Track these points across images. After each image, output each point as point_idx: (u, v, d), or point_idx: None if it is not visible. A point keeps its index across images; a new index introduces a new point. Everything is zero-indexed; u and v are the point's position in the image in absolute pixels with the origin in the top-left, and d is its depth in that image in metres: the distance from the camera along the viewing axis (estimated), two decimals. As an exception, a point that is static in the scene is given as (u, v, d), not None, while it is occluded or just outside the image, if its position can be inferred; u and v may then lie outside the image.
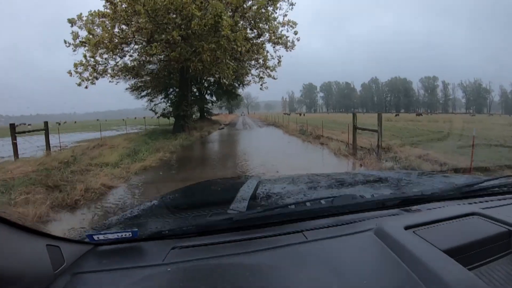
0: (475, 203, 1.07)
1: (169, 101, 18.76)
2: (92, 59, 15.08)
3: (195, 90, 34.38)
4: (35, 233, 0.68)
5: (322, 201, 1.06)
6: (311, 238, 0.83)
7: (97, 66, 15.35)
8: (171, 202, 1.42)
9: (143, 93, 28.08)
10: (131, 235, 0.81)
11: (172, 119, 19.32)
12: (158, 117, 18.54)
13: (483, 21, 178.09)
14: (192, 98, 33.59)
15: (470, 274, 0.62)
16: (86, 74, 15.19)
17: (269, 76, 19.27)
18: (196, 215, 1.09)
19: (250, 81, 19.95)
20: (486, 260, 0.73)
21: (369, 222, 0.91)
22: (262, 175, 4.37)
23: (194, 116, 39.77)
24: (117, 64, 16.35)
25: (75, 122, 71.46)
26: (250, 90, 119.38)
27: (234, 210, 1.07)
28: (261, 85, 19.28)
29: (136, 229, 0.82)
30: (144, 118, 30.68)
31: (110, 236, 0.81)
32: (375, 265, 0.70)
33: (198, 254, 0.78)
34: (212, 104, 37.53)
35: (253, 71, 19.87)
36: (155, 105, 22.20)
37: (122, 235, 0.81)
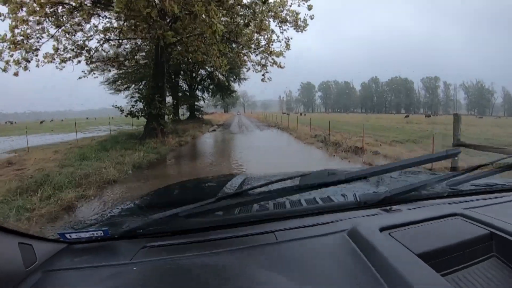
0: (459, 202, 1.05)
1: (140, 95, 13.78)
2: (19, 31, 10.29)
3: (182, 84, 29.51)
4: (6, 231, 0.68)
5: (303, 200, 1.07)
6: (281, 239, 0.82)
7: (25, 41, 10.52)
8: (148, 202, 1.41)
9: (117, 87, 23.40)
10: (102, 234, 0.81)
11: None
12: (126, 116, 13.65)
13: (484, 22, 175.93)
14: (180, 94, 28.70)
15: (442, 281, 0.58)
16: (6, 55, 10.41)
17: (274, 63, 14.52)
18: (173, 215, 1.02)
19: (250, 69, 15.07)
20: (465, 264, 0.70)
21: (345, 223, 0.89)
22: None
23: (182, 115, 35.13)
24: (57, 38, 11.49)
25: (62, 120, 66.42)
26: (247, 88, 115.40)
27: None
28: (263, 75, 14.54)
29: (107, 228, 0.82)
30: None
31: (83, 235, 0.81)
32: (345, 269, 0.66)
33: (166, 253, 0.78)
34: (204, 101, 32.53)
35: (254, 57, 15.06)
36: (135, 101, 17.34)
37: (94, 234, 0.81)
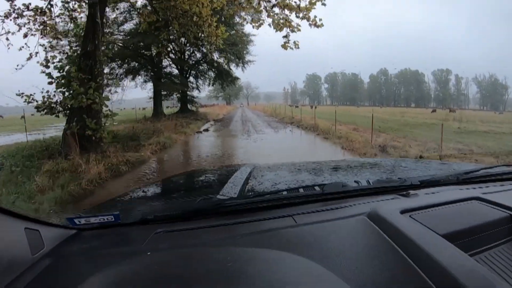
0: (475, 188, 1.03)
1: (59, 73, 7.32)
2: None
3: (171, 67, 23.23)
4: (13, 215, 0.66)
5: (315, 187, 1.05)
6: (300, 222, 0.81)
7: None
8: (160, 189, 1.40)
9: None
10: (113, 219, 0.80)
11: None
12: (38, 111, 7.33)
13: (497, 14, 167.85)
14: (164, 79, 22.02)
15: (471, 260, 0.58)
16: None
17: (304, 18, 8.20)
18: (184, 201, 1.09)
19: (263, 23, 8.59)
20: (487, 246, 0.69)
21: (363, 207, 0.88)
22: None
23: (171, 107, 28.69)
24: None
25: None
26: (250, 79, 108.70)
27: (224, 195, 1.04)
28: (286, 36, 8.21)
29: (118, 213, 0.80)
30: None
31: (92, 220, 0.80)
32: (368, 250, 0.66)
33: (180, 238, 0.77)
34: (199, 91, 25.99)
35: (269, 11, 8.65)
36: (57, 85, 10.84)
37: (104, 219, 0.80)
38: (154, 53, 18.63)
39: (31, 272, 0.62)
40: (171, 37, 14.94)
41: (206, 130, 15.35)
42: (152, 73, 20.21)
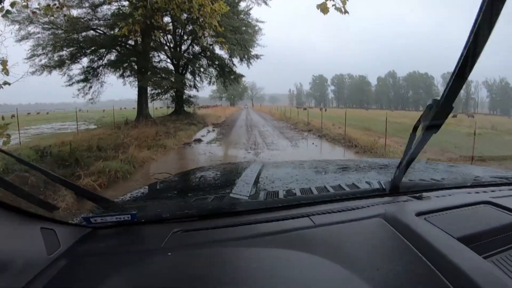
0: (484, 192, 1.04)
1: None
2: None
3: (165, 62, 20.02)
4: (29, 215, 0.65)
5: (328, 187, 1.06)
6: (318, 222, 0.80)
7: None
8: (172, 186, 1.38)
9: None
10: (129, 218, 0.78)
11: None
12: None
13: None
14: (151, 73, 17.46)
15: (486, 263, 0.59)
16: None
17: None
18: (198, 199, 1.07)
19: None
20: (499, 249, 0.69)
21: (378, 208, 0.88)
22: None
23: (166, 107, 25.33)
24: None
25: (47, 113, 57.90)
26: (255, 79, 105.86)
27: (237, 194, 1.03)
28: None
29: (135, 212, 0.79)
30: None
31: (109, 219, 0.78)
32: (387, 252, 0.67)
33: (199, 238, 0.77)
34: (197, 89, 22.62)
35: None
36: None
37: (120, 218, 0.78)
38: (138, 41, 15.32)
39: (48, 272, 0.61)
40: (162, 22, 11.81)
41: (198, 140, 11.75)
42: (134, 65, 16.69)
